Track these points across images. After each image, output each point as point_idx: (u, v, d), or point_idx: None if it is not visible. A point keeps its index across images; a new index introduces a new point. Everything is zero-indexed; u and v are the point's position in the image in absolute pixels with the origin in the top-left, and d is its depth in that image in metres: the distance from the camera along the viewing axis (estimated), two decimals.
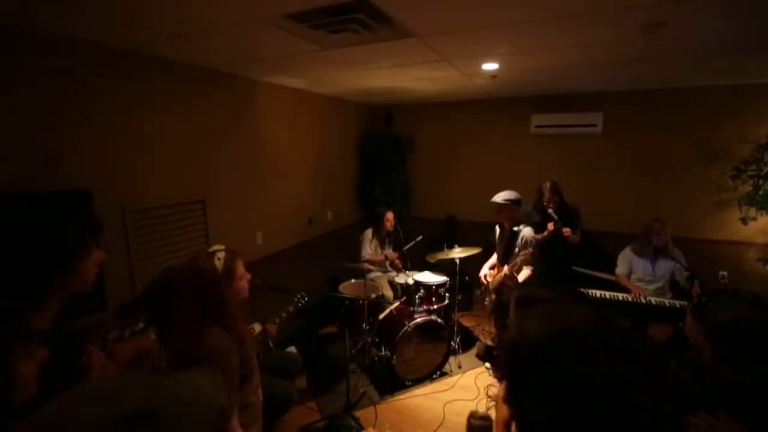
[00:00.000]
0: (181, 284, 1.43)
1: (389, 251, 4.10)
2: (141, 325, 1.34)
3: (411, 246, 3.91)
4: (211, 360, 1.34)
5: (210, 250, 1.55)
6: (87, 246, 1.05)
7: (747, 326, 1.09)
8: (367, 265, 3.35)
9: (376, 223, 3.97)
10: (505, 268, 2.87)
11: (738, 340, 1.09)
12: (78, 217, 1.07)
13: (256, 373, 1.58)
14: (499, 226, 3.09)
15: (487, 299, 3.28)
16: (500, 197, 2.87)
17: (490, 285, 3.14)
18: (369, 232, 3.97)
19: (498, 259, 3.12)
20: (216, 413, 0.54)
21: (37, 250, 0.96)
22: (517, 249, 2.86)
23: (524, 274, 2.83)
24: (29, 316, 0.97)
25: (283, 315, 2.43)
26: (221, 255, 1.52)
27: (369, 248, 3.92)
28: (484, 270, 3.26)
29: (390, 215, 3.94)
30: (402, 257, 3.97)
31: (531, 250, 2.76)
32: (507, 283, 2.90)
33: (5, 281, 0.94)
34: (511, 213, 2.89)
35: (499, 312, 3.12)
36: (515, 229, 2.91)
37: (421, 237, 3.92)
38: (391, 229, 3.98)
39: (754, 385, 1.06)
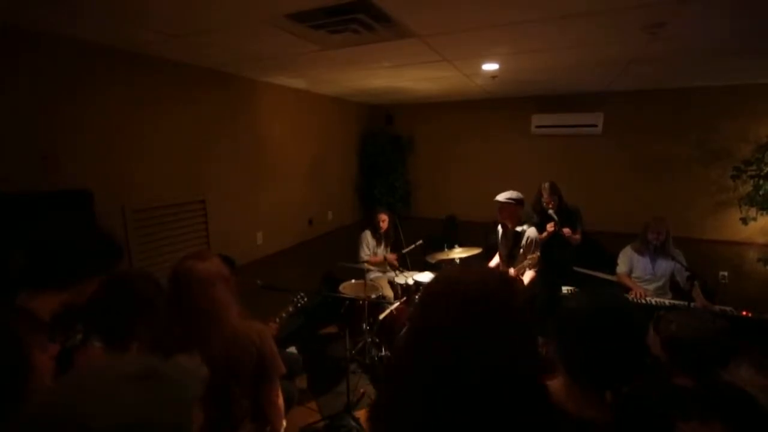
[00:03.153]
0: (204, 278, 1.38)
1: (387, 252, 4.10)
2: (79, 336, 1.23)
3: (411, 249, 3.88)
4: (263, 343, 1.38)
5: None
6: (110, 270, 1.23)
7: (692, 336, 1.24)
8: (367, 265, 3.35)
9: (372, 223, 3.98)
10: (511, 270, 2.86)
11: (684, 348, 1.25)
12: (116, 244, 1.26)
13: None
14: (502, 227, 3.08)
15: None
16: (503, 196, 2.87)
17: None
18: (367, 233, 3.97)
19: (502, 259, 3.11)
20: (201, 382, 0.66)
21: (92, 256, 1.13)
22: (522, 250, 2.85)
23: (529, 276, 2.83)
24: (34, 308, 1.01)
25: (283, 315, 2.43)
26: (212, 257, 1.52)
27: (367, 249, 3.92)
28: None
29: (383, 216, 3.93)
30: (400, 258, 3.96)
31: (538, 254, 2.75)
32: None
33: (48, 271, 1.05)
34: (513, 212, 2.88)
35: None
36: (518, 229, 2.90)
37: (420, 241, 3.88)
38: (386, 228, 3.98)
39: (702, 391, 1.19)
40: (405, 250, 3.86)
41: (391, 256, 4.02)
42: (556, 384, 0.91)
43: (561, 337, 0.93)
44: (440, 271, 0.83)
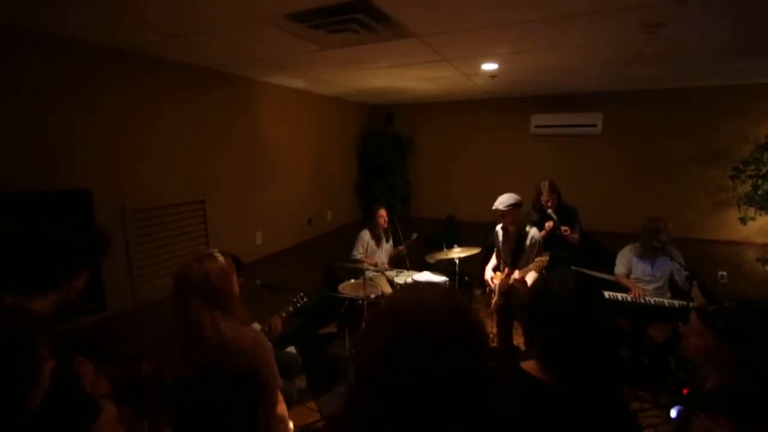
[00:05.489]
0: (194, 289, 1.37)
1: (389, 247, 4.10)
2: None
3: (408, 244, 3.90)
4: (256, 352, 1.34)
5: (207, 252, 1.55)
6: (95, 263, 1.25)
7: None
8: (366, 265, 3.35)
9: (371, 222, 3.96)
10: (516, 273, 2.86)
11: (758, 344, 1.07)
12: (98, 235, 1.29)
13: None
14: (502, 229, 3.08)
15: (492, 301, 3.26)
16: (502, 204, 2.83)
17: (497, 288, 3.11)
18: (366, 233, 3.94)
19: (505, 262, 3.09)
20: None
21: (68, 253, 1.14)
22: (526, 252, 2.86)
23: (532, 276, 2.83)
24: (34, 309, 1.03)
25: (290, 309, 2.46)
26: (218, 254, 1.50)
27: (361, 248, 3.88)
28: (488, 273, 3.24)
29: (382, 212, 3.93)
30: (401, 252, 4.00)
31: (547, 258, 2.76)
32: (517, 287, 2.88)
33: (33, 275, 1.06)
34: (515, 216, 2.88)
35: (506, 314, 3.09)
36: (521, 232, 2.90)
37: (416, 235, 3.90)
38: (386, 225, 3.97)
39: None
40: (400, 247, 3.92)
41: (396, 250, 4.06)
42: (530, 365, 1.03)
43: (542, 323, 1.05)
44: (386, 298, 0.88)
